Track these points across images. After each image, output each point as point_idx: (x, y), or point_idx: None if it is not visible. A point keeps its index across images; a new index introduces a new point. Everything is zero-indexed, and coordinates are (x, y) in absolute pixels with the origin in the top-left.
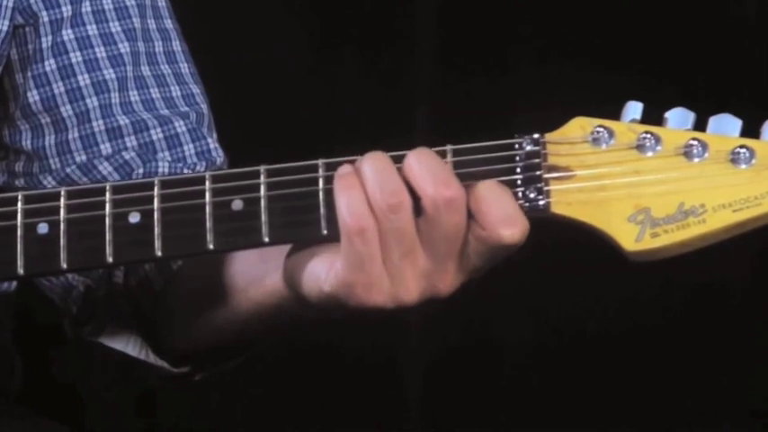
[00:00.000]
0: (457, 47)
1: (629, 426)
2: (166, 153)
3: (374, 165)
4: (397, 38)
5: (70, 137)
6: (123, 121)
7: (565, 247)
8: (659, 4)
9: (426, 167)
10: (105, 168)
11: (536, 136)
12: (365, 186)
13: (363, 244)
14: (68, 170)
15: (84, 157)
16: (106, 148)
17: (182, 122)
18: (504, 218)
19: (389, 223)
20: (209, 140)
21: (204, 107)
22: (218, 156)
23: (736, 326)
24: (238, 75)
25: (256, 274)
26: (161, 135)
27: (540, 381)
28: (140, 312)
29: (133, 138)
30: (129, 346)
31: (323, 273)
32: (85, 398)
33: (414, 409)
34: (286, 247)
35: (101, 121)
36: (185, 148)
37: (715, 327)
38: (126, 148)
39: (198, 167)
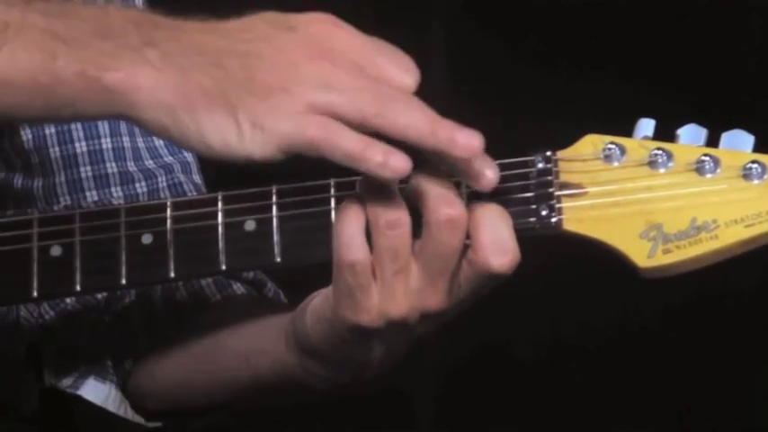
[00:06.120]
0: (465, 68)
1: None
2: None
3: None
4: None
5: (57, 180)
6: (112, 169)
7: (572, 254)
8: (670, 22)
9: (433, 184)
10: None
11: (548, 153)
12: (367, 201)
13: (353, 276)
14: (55, 207)
15: (69, 202)
16: (92, 195)
17: (164, 177)
18: (495, 245)
19: (386, 239)
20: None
21: (187, 153)
22: None
23: (741, 330)
24: None
25: (260, 341)
26: (145, 189)
27: (547, 384)
28: (122, 367)
29: (119, 189)
30: (108, 400)
31: (318, 298)
32: None
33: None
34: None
35: (88, 167)
36: None
37: (719, 331)
38: (113, 198)
39: None
